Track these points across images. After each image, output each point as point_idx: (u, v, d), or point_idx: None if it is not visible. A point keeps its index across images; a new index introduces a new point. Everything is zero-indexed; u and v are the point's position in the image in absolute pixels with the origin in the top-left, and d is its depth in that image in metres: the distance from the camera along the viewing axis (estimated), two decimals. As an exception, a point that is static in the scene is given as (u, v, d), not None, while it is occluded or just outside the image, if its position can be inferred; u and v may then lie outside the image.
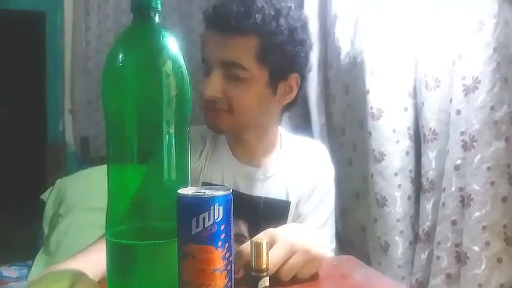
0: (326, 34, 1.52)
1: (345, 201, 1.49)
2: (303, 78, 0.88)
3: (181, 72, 0.51)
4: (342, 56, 1.42)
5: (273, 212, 0.88)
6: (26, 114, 2.92)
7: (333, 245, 0.94)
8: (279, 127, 0.96)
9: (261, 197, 0.88)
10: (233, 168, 0.89)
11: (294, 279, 0.61)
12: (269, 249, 0.58)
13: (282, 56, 0.82)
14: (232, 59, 0.80)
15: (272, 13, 0.80)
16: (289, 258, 0.60)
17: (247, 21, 0.78)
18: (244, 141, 0.89)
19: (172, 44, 0.51)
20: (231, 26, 0.79)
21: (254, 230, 0.85)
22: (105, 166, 0.52)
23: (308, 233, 0.67)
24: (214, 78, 0.81)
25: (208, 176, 0.89)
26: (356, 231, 1.43)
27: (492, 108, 0.99)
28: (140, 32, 0.52)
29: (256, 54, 0.80)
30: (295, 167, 0.92)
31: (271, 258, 0.57)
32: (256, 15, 0.78)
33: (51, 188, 1.94)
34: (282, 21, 0.80)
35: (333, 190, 0.97)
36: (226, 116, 0.83)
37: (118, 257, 0.50)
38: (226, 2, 0.81)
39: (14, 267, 1.84)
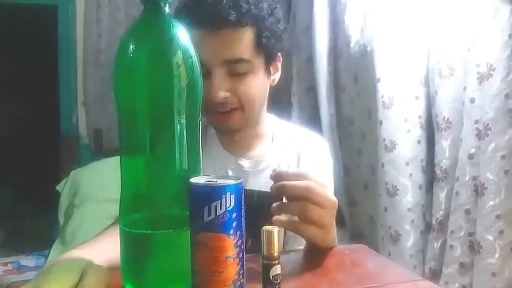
0: (335, 22, 1.50)
1: (354, 191, 1.49)
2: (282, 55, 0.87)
3: (191, 63, 0.51)
4: (352, 45, 1.40)
5: (267, 205, 0.84)
6: (40, 107, 2.96)
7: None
8: (274, 117, 0.93)
9: (254, 190, 0.83)
10: (224, 161, 0.87)
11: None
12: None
13: (273, 38, 0.80)
14: (235, 55, 0.76)
15: None
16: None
17: (244, 12, 0.75)
18: (235, 133, 0.86)
19: (182, 35, 0.51)
20: (228, 21, 0.74)
21: (249, 223, 0.83)
22: (118, 157, 0.53)
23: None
24: (219, 79, 0.77)
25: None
26: (365, 222, 1.42)
27: (507, 96, 0.97)
28: (151, 23, 0.52)
29: (253, 44, 0.78)
30: (290, 159, 0.88)
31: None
32: (250, 4, 0.75)
33: (66, 179, 1.97)
34: (265, 3, 0.79)
35: (331, 184, 0.92)
36: (238, 114, 0.80)
37: (132, 246, 0.51)
38: None
39: (32, 257, 1.89)
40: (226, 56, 0.76)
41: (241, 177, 0.48)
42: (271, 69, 0.84)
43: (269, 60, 0.82)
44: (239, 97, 0.79)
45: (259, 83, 0.81)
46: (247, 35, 0.77)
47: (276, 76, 0.87)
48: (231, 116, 0.80)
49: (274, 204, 0.66)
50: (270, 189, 0.66)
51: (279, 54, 0.85)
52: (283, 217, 0.65)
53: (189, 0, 0.79)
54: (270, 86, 0.87)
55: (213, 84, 0.77)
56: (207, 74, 0.76)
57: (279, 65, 0.87)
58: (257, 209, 0.83)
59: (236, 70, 0.77)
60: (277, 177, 0.64)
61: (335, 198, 0.65)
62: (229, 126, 0.82)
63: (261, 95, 0.83)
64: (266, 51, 0.80)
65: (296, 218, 0.64)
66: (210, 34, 0.75)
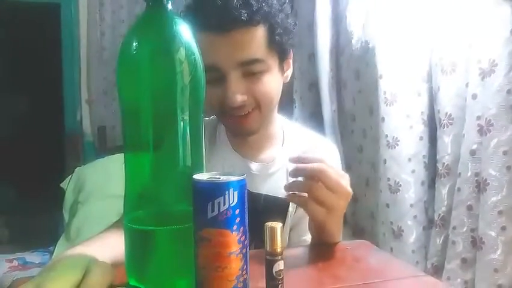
0: (337, 19, 1.50)
1: (355, 188, 1.48)
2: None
3: (194, 60, 0.51)
4: (354, 41, 1.40)
5: (272, 210, 0.83)
6: (44, 105, 2.97)
7: None
8: (283, 118, 0.92)
9: (261, 194, 0.83)
10: (233, 162, 0.85)
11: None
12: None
13: (285, 34, 0.78)
14: (249, 56, 0.74)
15: None
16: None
17: (255, 10, 0.72)
18: (251, 135, 0.84)
19: (185, 32, 0.51)
20: (239, 21, 0.71)
21: (253, 226, 0.82)
22: (122, 154, 0.53)
23: None
24: (235, 83, 0.74)
25: (207, 170, 0.85)
26: (366, 218, 1.43)
27: (509, 91, 0.97)
28: (153, 20, 0.52)
29: (266, 42, 0.75)
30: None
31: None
32: (260, 1, 0.73)
33: (70, 176, 1.98)
34: None
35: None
36: (256, 115, 0.78)
37: (136, 242, 0.51)
38: None
39: (37, 253, 1.91)
40: (240, 57, 0.74)
41: (244, 173, 0.49)
42: (284, 66, 0.82)
43: (282, 57, 0.80)
44: (256, 98, 0.76)
45: (275, 82, 0.79)
46: (259, 34, 0.74)
47: (289, 73, 0.85)
48: (249, 118, 0.78)
49: (287, 183, 0.67)
50: (289, 174, 0.66)
51: (291, 50, 0.83)
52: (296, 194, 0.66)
53: (197, 2, 0.76)
54: (283, 83, 0.85)
55: (230, 88, 0.74)
56: (221, 78, 0.74)
57: (291, 61, 0.84)
58: (263, 212, 0.80)
59: (251, 71, 0.75)
60: (297, 161, 0.65)
61: (348, 187, 0.65)
62: (247, 128, 0.80)
63: (277, 94, 0.81)
64: (279, 48, 0.78)
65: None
66: (221, 36, 0.72)
